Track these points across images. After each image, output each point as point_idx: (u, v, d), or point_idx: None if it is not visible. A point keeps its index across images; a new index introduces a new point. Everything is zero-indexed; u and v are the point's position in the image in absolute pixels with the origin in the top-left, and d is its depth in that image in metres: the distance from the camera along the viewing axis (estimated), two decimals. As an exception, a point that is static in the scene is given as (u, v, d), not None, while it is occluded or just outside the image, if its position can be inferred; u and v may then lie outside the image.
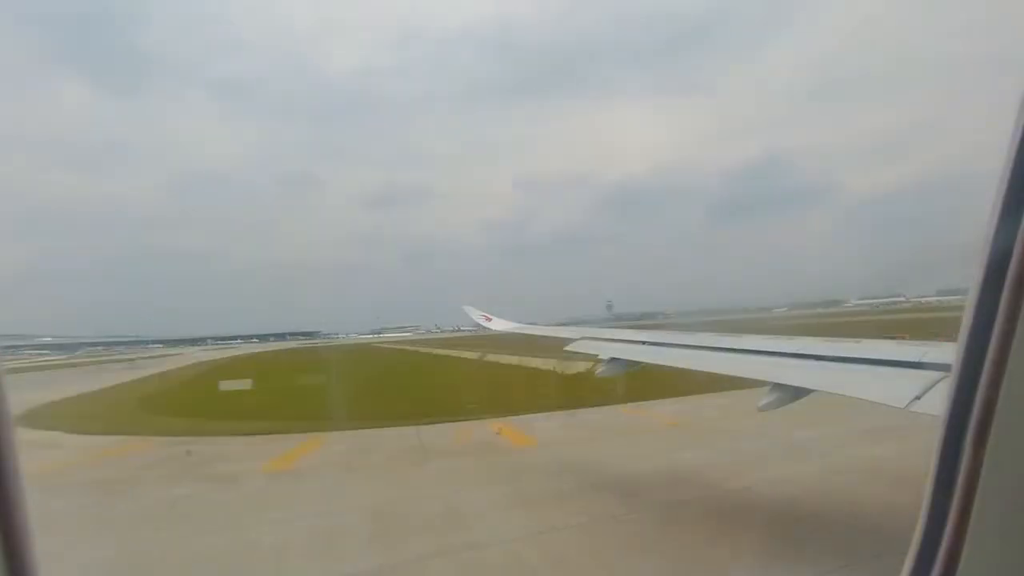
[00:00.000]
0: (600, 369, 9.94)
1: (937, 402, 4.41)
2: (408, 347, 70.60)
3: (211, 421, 18.96)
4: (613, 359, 9.80)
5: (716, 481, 9.93)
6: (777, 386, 6.59)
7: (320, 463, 13.03)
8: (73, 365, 65.04)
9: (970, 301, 1.30)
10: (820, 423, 12.29)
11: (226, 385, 27.89)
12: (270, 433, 16.13)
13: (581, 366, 24.96)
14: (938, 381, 4.71)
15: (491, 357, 38.58)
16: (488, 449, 13.45)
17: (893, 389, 5.05)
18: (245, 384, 27.27)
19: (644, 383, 16.08)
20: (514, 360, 34.33)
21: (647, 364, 9.29)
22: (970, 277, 1.31)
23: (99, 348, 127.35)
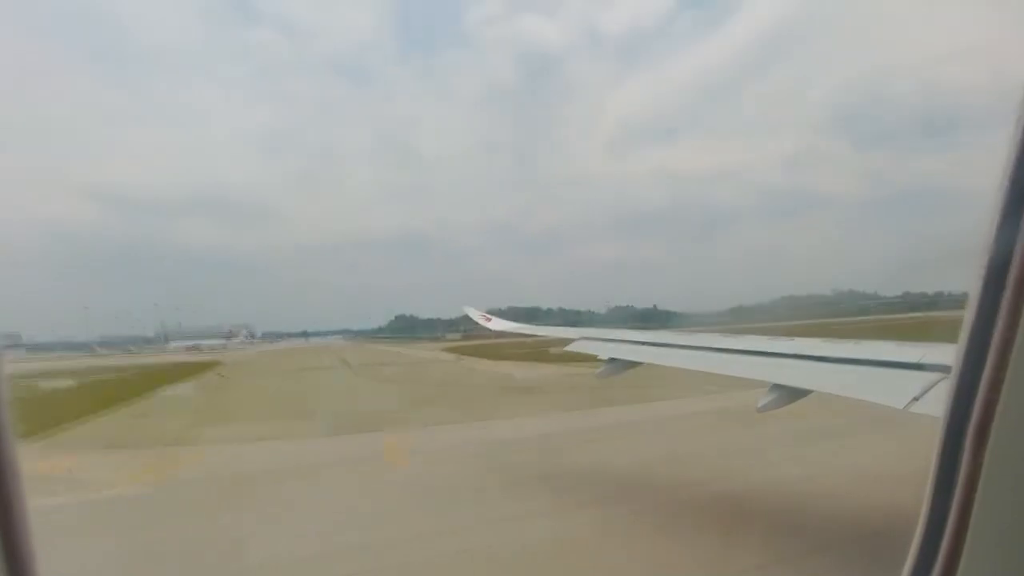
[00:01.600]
0: (600, 370, 9.95)
1: (936, 403, 4.42)
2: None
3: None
4: (612, 359, 9.82)
5: (550, 517, 8.50)
6: (776, 387, 6.60)
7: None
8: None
9: (971, 302, 1.30)
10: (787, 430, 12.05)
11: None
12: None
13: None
14: (937, 382, 4.72)
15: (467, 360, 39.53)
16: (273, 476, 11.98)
17: (892, 390, 5.06)
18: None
19: (623, 387, 15.44)
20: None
21: (646, 364, 9.31)
22: (962, 279, 1.31)
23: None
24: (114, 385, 31.71)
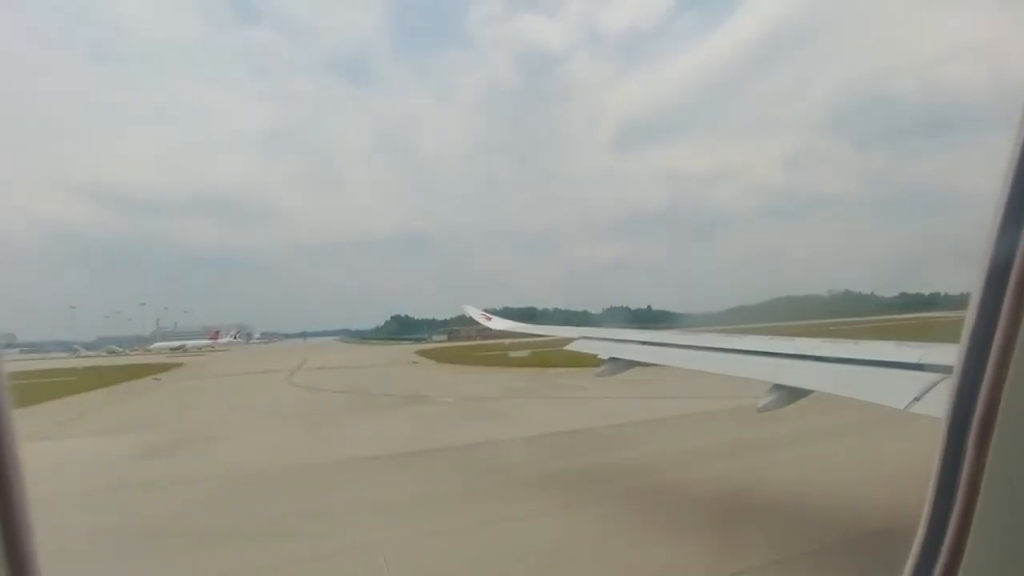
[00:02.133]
0: (600, 369, 9.94)
1: (936, 404, 4.42)
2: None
3: None
4: (613, 359, 9.81)
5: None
6: (777, 387, 6.60)
7: None
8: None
9: (973, 301, 1.30)
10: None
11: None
12: None
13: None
14: (937, 383, 4.71)
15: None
16: None
17: (893, 390, 5.06)
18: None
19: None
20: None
21: (646, 364, 9.31)
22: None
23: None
24: (30, 391, 30.89)
